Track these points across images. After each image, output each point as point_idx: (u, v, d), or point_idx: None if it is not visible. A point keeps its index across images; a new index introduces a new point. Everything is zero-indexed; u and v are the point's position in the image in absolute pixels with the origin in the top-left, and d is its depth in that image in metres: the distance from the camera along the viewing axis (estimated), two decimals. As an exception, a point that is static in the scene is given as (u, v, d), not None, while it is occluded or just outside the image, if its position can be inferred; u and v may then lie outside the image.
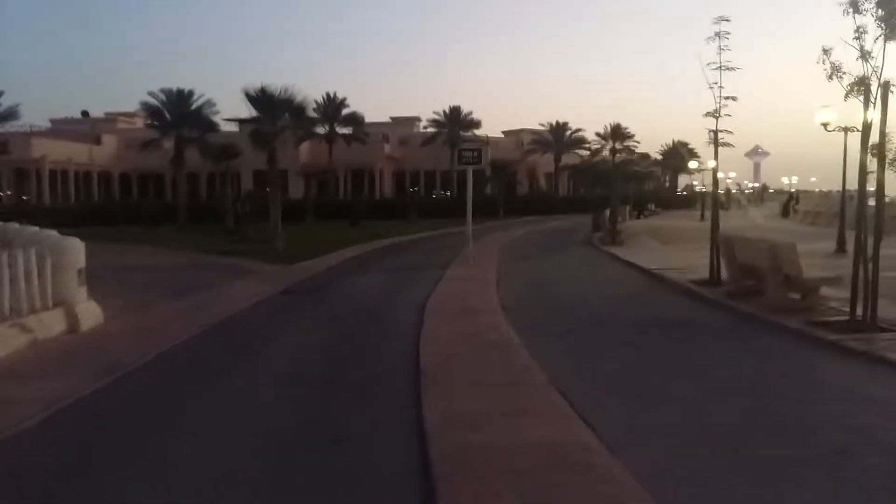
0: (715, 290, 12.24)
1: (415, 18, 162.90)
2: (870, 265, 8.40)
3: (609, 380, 6.75)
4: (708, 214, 47.10)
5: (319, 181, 53.68)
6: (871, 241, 8.50)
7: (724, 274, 12.67)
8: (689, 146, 73.42)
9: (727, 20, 12.39)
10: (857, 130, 18.09)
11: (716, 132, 12.92)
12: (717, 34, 12.41)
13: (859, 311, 8.53)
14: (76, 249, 10.06)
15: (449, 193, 61.26)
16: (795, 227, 36.85)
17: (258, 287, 14.24)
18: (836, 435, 5.14)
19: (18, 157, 48.36)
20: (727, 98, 12.64)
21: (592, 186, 39.19)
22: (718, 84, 12.56)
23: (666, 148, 79.18)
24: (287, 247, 22.94)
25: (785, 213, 48.17)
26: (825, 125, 18.60)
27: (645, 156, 73.08)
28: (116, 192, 58.35)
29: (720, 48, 12.47)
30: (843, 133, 18.68)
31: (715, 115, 12.76)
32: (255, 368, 7.51)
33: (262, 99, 24.80)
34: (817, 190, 79.96)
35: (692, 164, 52.90)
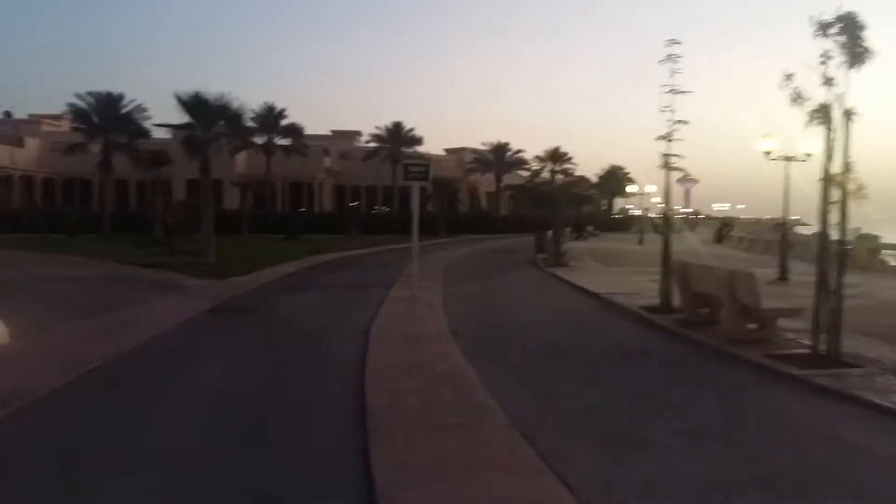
0: (667, 317, 11.88)
1: (357, 32, 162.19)
2: (831, 297, 8.14)
3: (574, 421, 6.14)
4: (646, 238, 48.06)
5: (256, 193, 52.07)
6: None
7: (674, 300, 12.40)
8: (625, 171, 75.45)
9: (678, 43, 12.18)
10: (798, 160, 18.45)
11: (666, 156, 12.65)
12: (669, 56, 12.19)
13: (822, 345, 8.23)
14: (-26, 261, 8.87)
15: (389, 209, 60.56)
16: (731, 252, 37.52)
17: (184, 304, 13.17)
18: (833, 491, 4.66)
19: (-72, 157, 45.22)
20: (678, 122, 12.42)
21: (535, 207, 39.08)
22: (670, 108, 12.34)
23: (602, 171, 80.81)
24: (219, 261, 21.75)
25: (718, 239, 49.26)
26: (767, 153, 18.85)
27: (583, 179, 74.12)
28: (39, 197, 55.16)
29: (672, 71, 12.26)
30: (782, 162, 19.07)
31: (667, 138, 12.51)
32: (170, 407, 6.56)
33: (195, 104, 23.57)
34: (742, 217, 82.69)
35: (631, 188, 53.60)
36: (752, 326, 9.95)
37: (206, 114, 23.91)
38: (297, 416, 6.22)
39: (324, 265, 23.86)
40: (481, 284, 18.53)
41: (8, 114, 66.62)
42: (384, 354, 8.47)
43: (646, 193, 51.99)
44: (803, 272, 21.11)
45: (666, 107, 12.31)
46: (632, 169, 75.69)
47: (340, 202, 62.11)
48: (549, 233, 32.38)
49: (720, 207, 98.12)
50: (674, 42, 11.91)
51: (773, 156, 18.36)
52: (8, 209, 48.92)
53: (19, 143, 55.38)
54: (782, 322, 10.06)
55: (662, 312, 12.32)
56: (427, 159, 14.32)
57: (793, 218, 71.80)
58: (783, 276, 18.52)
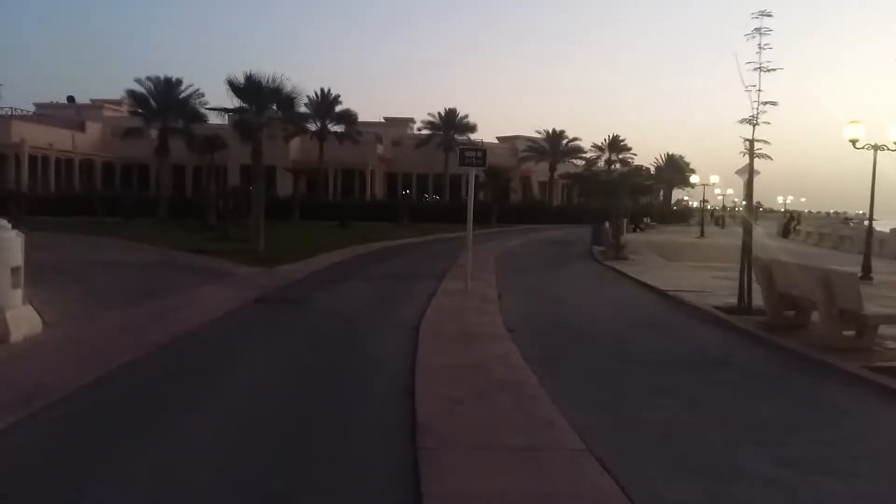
0: (747, 319, 10.83)
1: (414, 19, 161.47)
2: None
3: (657, 445, 5.27)
4: (707, 230, 46.19)
5: (309, 179, 52.04)
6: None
7: (753, 300, 11.34)
8: (685, 160, 72.89)
9: (768, 15, 11.00)
10: (889, 149, 16.92)
11: (752, 141, 11.51)
12: (758, 30, 11.04)
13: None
14: (10, 245, 8.45)
15: (439, 198, 59.91)
16: (800, 248, 35.62)
17: (231, 293, 12.68)
18: None
19: (-2, 140, 46.43)
20: (766, 103, 11.27)
21: (594, 196, 37.78)
22: (757, 87, 11.20)
23: (660, 161, 78.23)
24: (268, 248, 21.38)
25: (785, 233, 47.04)
26: (853, 142, 17.37)
27: (640, 168, 72.03)
28: (99, 181, 56.30)
29: (759, 47, 11.11)
30: (867, 151, 17.56)
31: (752, 122, 11.39)
32: (205, 408, 5.96)
33: (248, 88, 23.24)
34: (807, 210, 79.21)
35: (693, 179, 51.52)
36: (849, 333, 8.88)
37: (258, 96, 23.55)
38: (339, 426, 5.50)
39: (374, 254, 23.30)
40: (537, 278, 17.64)
41: (71, 98, 68.25)
42: (436, 354, 7.72)
43: (708, 184, 50.01)
44: (886, 270, 19.61)
45: (751, 86, 11.19)
46: (692, 159, 73.11)
47: (392, 190, 61.73)
48: (607, 224, 31.24)
49: (783, 200, 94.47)
50: (763, 14, 10.76)
51: (860, 144, 16.89)
52: (69, 192, 50.06)
53: (81, 127, 56.54)
54: (881, 329, 8.97)
55: (741, 314, 11.27)
56: (483, 145, 13.42)
57: (859, 213, 67.97)
58: (866, 275, 17.08)
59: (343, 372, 7.21)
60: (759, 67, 11.06)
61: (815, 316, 10.14)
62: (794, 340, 9.28)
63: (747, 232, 11.73)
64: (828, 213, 75.83)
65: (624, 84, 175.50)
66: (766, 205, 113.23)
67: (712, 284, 15.54)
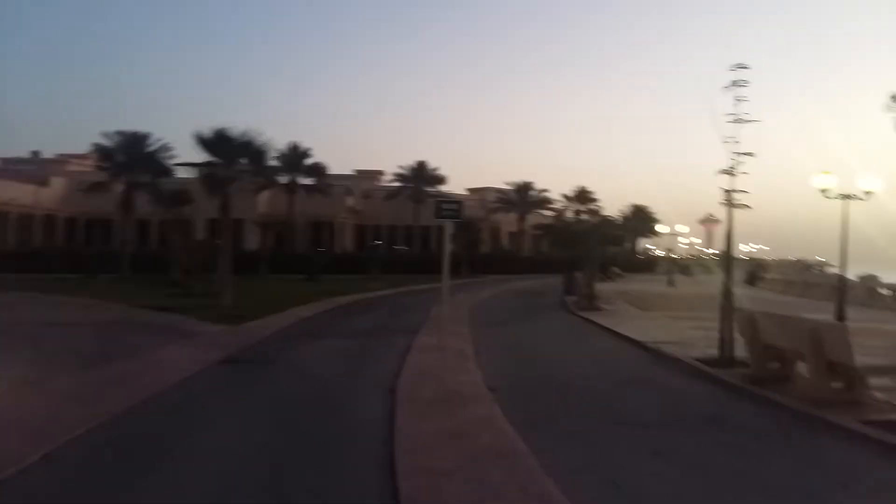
0: (730, 372, 10.53)
1: (383, 72, 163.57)
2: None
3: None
4: (681, 280, 46.45)
5: (277, 232, 51.37)
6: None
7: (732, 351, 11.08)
8: (649, 210, 73.90)
9: (745, 68, 11.06)
10: (858, 198, 17.09)
11: (729, 192, 11.41)
12: (735, 83, 11.07)
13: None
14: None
15: (409, 249, 59.63)
16: (767, 295, 35.91)
17: (193, 354, 12.02)
18: None
19: (-46, 197, 45.17)
20: (742, 154, 11.23)
21: (565, 247, 37.78)
22: (734, 139, 11.16)
23: (625, 211, 79.22)
24: (235, 303, 20.71)
25: (751, 280, 47.51)
26: (824, 191, 17.55)
27: (609, 219, 72.75)
28: (61, 237, 54.90)
29: (736, 99, 11.13)
30: (840, 200, 17.73)
31: (730, 172, 11.31)
32: (161, 492, 5.36)
33: (217, 142, 22.86)
34: (770, 258, 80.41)
35: (662, 228, 52.02)
36: (836, 384, 8.61)
37: (228, 150, 23.16)
38: (312, 509, 4.96)
39: (344, 308, 22.73)
40: (513, 331, 17.26)
41: (35, 153, 67.19)
42: (415, 420, 7.22)
43: (676, 234, 50.63)
44: (857, 317, 19.61)
45: (729, 138, 11.15)
46: (656, 208, 74.02)
47: (361, 242, 61.29)
48: (579, 274, 31.14)
49: (746, 248, 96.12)
50: (740, 67, 10.79)
51: (830, 194, 17.05)
52: (29, 249, 48.64)
53: (44, 182, 55.42)
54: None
55: (723, 366, 10.97)
56: (457, 198, 13.19)
57: (819, 259, 69.07)
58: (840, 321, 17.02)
59: (315, 444, 6.62)
60: (737, 119, 11.06)
61: (800, 367, 9.91)
62: (781, 394, 8.96)
63: (727, 284, 11.52)
64: (790, 261, 77.03)
65: (590, 136, 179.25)
66: (734, 253, 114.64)
67: (690, 336, 15.29)
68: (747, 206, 11.47)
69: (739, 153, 11.18)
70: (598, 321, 18.81)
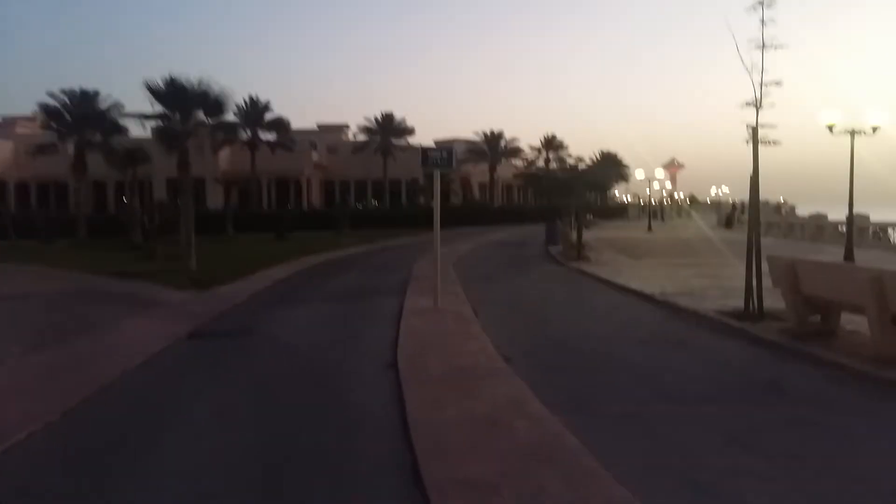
0: (763, 326, 9.50)
1: (344, 22, 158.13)
2: None
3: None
4: (655, 224, 45.81)
5: (241, 190, 49.24)
6: None
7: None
8: (619, 157, 72.90)
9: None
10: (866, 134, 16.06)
11: (755, 128, 10.20)
12: (761, 3, 9.78)
13: None
14: None
15: (378, 204, 57.97)
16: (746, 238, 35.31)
17: (156, 327, 10.62)
18: None
19: None
20: (769, 84, 9.99)
21: (550, 195, 36.62)
22: (760, 67, 9.91)
23: (592, 160, 78.11)
24: (201, 266, 19.18)
25: (728, 223, 47.07)
26: (830, 127, 16.49)
27: (568, 168, 71.70)
28: (12, 203, 51.98)
29: (762, 21, 9.84)
30: (844, 136, 16.71)
31: (755, 105, 10.09)
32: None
33: (170, 92, 20.90)
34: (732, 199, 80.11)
35: (638, 174, 51.10)
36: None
37: (183, 101, 21.22)
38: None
39: (319, 267, 21.32)
40: (507, 286, 16.07)
41: (-21, 117, 63.24)
42: (429, 406, 5.98)
43: (648, 179, 49.82)
44: (862, 258, 18.76)
45: (753, 66, 9.91)
46: (624, 156, 72.91)
47: (330, 198, 59.36)
48: (560, 223, 30.06)
49: (716, 191, 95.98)
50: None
51: (836, 129, 15.99)
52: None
53: (-9, 146, 52.24)
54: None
55: (752, 320, 9.95)
56: (448, 145, 11.83)
57: (781, 200, 68.97)
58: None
59: (307, 446, 5.33)
60: (762, 45, 9.79)
61: (844, 320, 8.92)
62: (832, 351, 7.95)
63: (754, 230, 10.40)
64: (768, 203, 77.10)
65: (556, 78, 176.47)
66: (701, 197, 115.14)
67: (697, 285, 14.29)
68: (776, 143, 10.29)
69: (767, 83, 9.94)
70: (593, 272, 17.72)
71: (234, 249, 28.26)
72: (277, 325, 10.84)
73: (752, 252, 10.26)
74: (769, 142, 10.19)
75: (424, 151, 11.65)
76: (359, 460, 4.92)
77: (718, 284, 14.27)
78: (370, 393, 6.72)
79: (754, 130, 10.14)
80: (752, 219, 10.55)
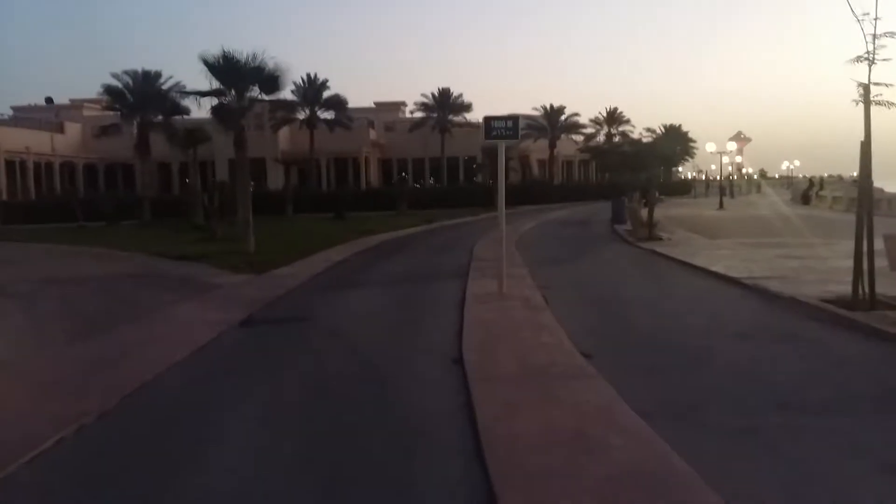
0: (879, 316, 8.31)
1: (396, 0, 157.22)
2: None
3: None
4: (727, 202, 43.67)
5: (300, 170, 49.21)
6: None
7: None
8: (685, 131, 69.86)
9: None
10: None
11: (867, 85, 8.90)
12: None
13: None
14: None
15: (436, 182, 57.21)
16: (829, 215, 33.26)
17: (209, 313, 10.10)
18: None
19: (-31, 147, 43.49)
20: (885, 35, 8.68)
21: (618, 171, 35.11)
22: (873, 15, 8.60)
23: (659, 132, 75.14)
24: (260, 248, 18.80)
25: (805, 199, 44.56)
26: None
27: (637, 141, 69.05)
28: (81, 184, 53.32)
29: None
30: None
31: (867, 59, 8.79)
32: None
33: (226, 66, 20.56)
34: (804, 175, 76.24)
35: (708, 147, 48.66)
36: None
37: (237, 77, 20.80)
38: None
39: (377, 248, 20.72)
40: (576, 269, 15.08)
41: (49, 100, 65.11)
42: (504, 414, 5.17)
43: (717, 153, 47.45)
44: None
45: (865, 14, 8.61)
46: (689, 129, 69.68)
47: (387, 176, 58.94)
48: (627, 200, 28.70)
49: (788, 166, 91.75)
50: None
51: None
52: (49, 197, 47.26)
53: (60, 128, 53.57)
54: None
55: (863, 308, 8.75)
56: (514, 116, 10.89)
57: (853, 175, 65.60)
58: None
59: (364, 466, 4.58)
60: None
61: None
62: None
63: (866, 208, 9.13)
64: (840, 177, 73.06)
65: (617, 56, 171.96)
66: (771, 172, 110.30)
67: (787, 268, 13.00)
68: (891, 104, 8.97)
69: (880, 34, 8.63)
70: (668, 253, 16.53)
71: (293, 230, 27.96)
72: (333, 313, 10.18)
73: (864, 230, 9.01)
74: (885, 103, 8.88)
75: (488, 121, 10.72)
76: (421, 484, 4.14)
77: (810, 266, 12.98)
78: (434, 395, 5.94)
79: (866, 88, 8.84)
80: (863, 192, 9.27)
